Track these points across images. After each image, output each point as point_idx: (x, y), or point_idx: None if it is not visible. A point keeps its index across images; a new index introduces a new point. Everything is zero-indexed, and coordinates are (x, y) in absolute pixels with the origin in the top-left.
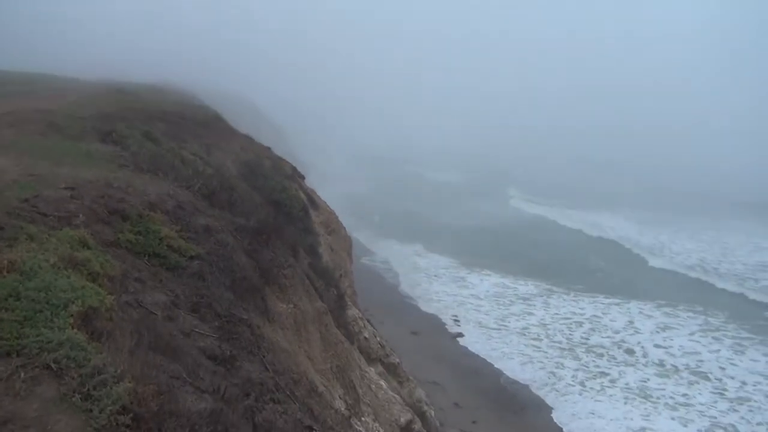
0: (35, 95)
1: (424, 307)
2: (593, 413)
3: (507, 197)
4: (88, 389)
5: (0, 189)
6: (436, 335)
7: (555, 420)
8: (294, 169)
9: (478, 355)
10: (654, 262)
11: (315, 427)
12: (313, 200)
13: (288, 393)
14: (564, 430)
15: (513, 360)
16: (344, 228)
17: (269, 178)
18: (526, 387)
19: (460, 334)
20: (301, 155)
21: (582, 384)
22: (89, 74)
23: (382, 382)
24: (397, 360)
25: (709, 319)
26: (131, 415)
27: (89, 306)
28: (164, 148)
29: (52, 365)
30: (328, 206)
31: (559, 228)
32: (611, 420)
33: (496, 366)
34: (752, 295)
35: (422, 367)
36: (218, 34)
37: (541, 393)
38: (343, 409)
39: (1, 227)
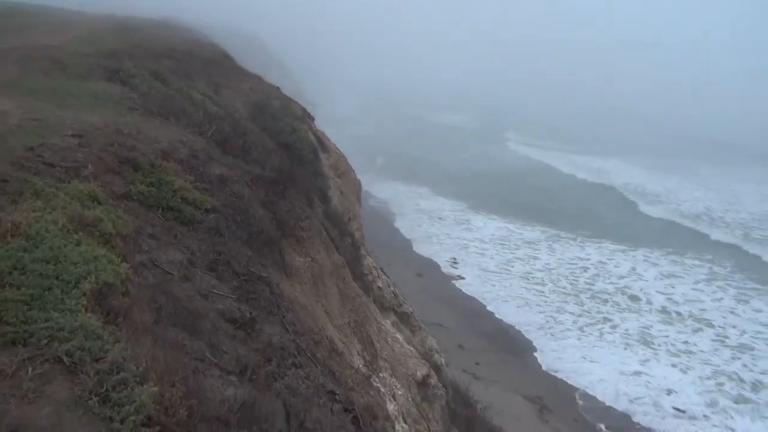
0: (39, 29)
1: (427, 250)
2: (585, 357)
3: (516, 142)
4: (107, 389)
5: (3, 135)
6: (439, 277)
7: (540, 362)
8: (304, 110)
9: (479, 298)
10: (649, 210)
11: (337, 392)
12: (322, 142)
13: (309, 355)
14: (554, 374)
15: (510, 303)
16: (353, 171)
17: (279, 120)
18: (521, 330)
19: (461, 277)
20: (310, 95)
21: (581, 329)
22: (93, 7)
23: (398, 335)
24: (410, 309)
25: (715, 268)
26: (158, 428)
27: (104, 282)
28: (173, 88)
29: (64, 358)
30: (338, 149)
31: (566, 175)
32: (605, 365)
33: (492, 308)
34: (747, 247)
35: (427, 309)
36: None
37: (535, 336)
38: (361, 365)
39: (4, 180)
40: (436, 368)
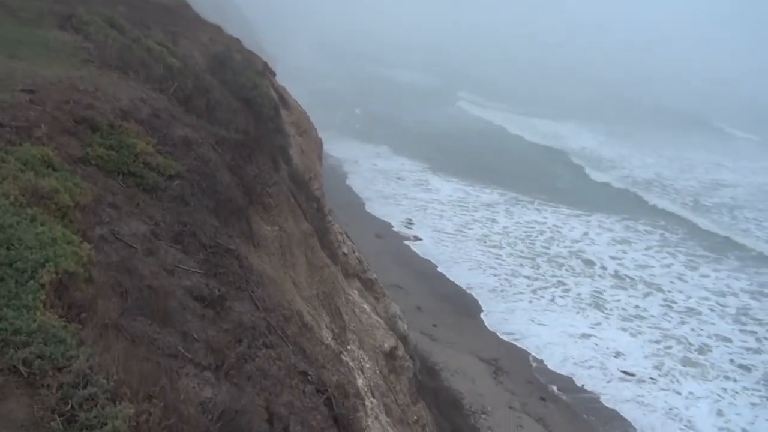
0: None
1: (382, 210)
2: (534, 320)
3: (471, 103)
4: (73, 407)
5: None
6: (395, 239)
7: (488, 324)
8: (265, 64)
9: (434, 260)
10: (602, 176)
11: (309, 372)
12: (284, 99)
13: (280, 333)
14: (505, 336)
15: (464, 265)
16: (315, 129)
17: (239, 74)
18: (474, 293)
19: (418, 238)
20: (268, 48)
21: (534, 292)
22: None
23: (366, 305)
24: (374, 276)
25: (667, 235)
26: None
27: (64, 270)
28: (129, 38)
29: (21, 368)
30: (299, 105)
31: (524, 140)
32: (555, 327)
33: (447, 270)
34: (684, 214)
35: (386, 271)
36: None
37: (486, 299)
38: (330, 339)
39: None
40: (403, 339)
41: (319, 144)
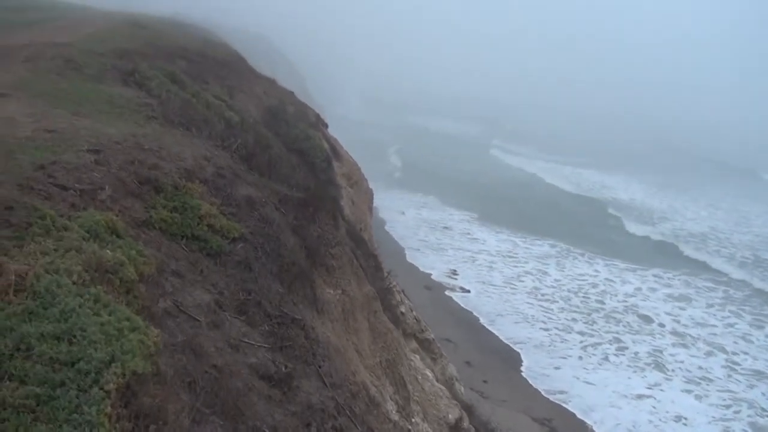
0: (48, 26)
1: (427, 261)
2: (589, 382)
3: (514, 154)
4: None
5: (12, 150)
6: (444, 290)
7: (531, 382)
8: (318, 116)
9: (482, 313)
10: (645, 229)
11: None
12: (335, 150)
13: (348, 413)
14: (556, 396)
15: (514, 318)
16: (366, 180)
17: (293, 126)
18: (522, 348)
19: (466, 290)
20: (317, 98)
21: (584, 349)
22: (100, 3)
23: (428, 372)
24: (432, 336)
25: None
26: None
27: (132, 371)
28: (189, 92)
29: None
30: (351, 156)
31: (568, 191)
32: (606, 387)
33: (497, 324)
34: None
35: (436, 323)
36: None
37: (531, 353)
38: (395, 413)
39: (9, 207)
40: (467, 408)
41: (370, 195)
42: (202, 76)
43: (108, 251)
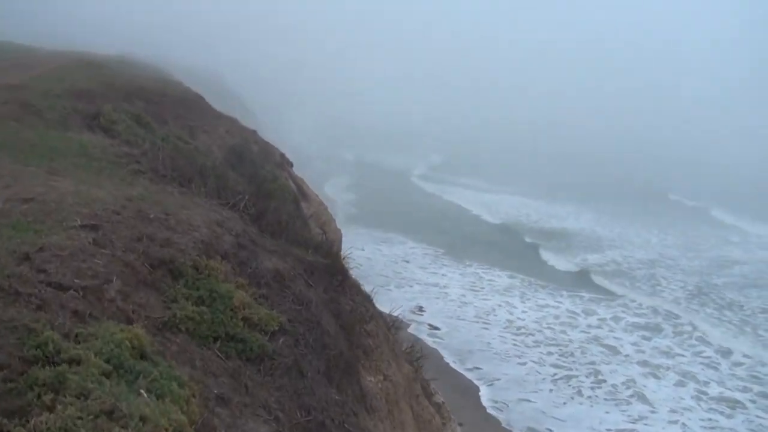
0: None
1: (395, 297)
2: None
3: (475, 189)
4: None
5: None
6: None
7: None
8: (282, 155)
9: (453, 349)
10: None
11: None
12: (302, 190)
13: None
14: None
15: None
16: (334, 220)
17: (259, 166)
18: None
19: (434, 327)
20: (268, 133)
21: (555, 383)
22: (44, 42)
23: None
24: (442, 399)
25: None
26: None
27: None
28: (158, 136)
29: None
30: (318, 196)
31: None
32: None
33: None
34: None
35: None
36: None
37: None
38: None
39: None
40: None
41: (339, 236)
42: (161, 116)
43: (144, 395)
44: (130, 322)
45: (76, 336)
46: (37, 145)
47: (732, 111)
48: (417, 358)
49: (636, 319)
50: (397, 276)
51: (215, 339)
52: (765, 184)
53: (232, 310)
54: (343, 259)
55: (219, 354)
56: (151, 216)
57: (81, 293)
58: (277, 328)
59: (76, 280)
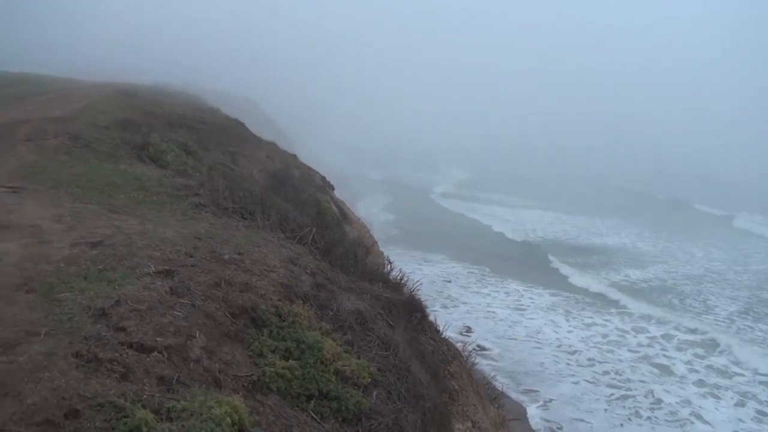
0: (40, 98)
1: (442, 318)
2: None
3: (506, 205)
4: None
5: (50, 284)
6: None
7: None
8: (324, 179)
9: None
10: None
11: None
12: (345, 213)
13: None
14: None
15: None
16: (377, 243)
17: (300, 191)
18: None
19: (483, 348)
20: (305, 157)
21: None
22: (83, 74)
23: None
24: None
25: None
26: None
27: None
28: (205, 164)
29: None
30: (360, 219)
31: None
32: None
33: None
34: None
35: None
36: (209, 29)
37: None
38: None
39: (73, 411)
40: None
41: (381, 259)
42: (203, 143)
43: None
44: (218, 385)
45: (168, 411)
46: (93, 179)
47: (742, 125)
48: (495, 397)
49: (688, 337)
50: (441, 296)
51: (308, 398)
52: None
53: (322, 362)
54: (417, 291)
55: (314, 416)
56: (226, 257)
57: (165, 354)
58: (369, 380)
59: (158, 339)
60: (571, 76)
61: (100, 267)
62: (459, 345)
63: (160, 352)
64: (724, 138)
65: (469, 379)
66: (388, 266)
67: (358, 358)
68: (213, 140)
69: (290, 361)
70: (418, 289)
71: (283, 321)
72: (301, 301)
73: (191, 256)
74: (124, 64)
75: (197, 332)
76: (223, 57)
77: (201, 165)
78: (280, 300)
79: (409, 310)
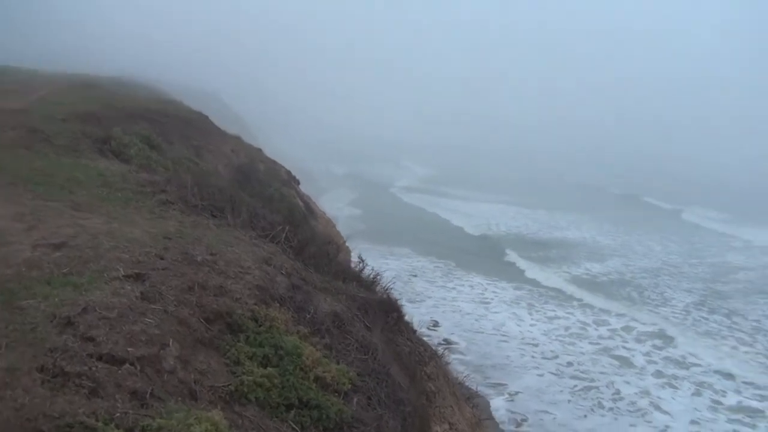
0: None
1: (409, 312)
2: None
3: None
4: None
5: (11, 290)
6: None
7: None
8: (289, 173)
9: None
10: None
11: None
12: (310, 208)
13: None
14: None
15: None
16: (342, 237)
17: (266, 185)
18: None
19: (451, 342)
20: (270, 152)
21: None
22: (41, 65)
23: None
24: None
25: None
26: None
27: None
28: (169, 158)
29: None
30: (326, 214)
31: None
32: None
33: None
34: None
35: None
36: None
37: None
38: None
39: None
40: None
41: (348, 254)
42: (166, 136)
43: None
44: (194, 397)
45: (144, 430)
46: (54, 175)
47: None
48: (469, 396)
49: (647, 329)
50: (408, 290)
51: (288, 407)
52: None
53: (302, 369)
54: (390, 290)
55: (294, 426)
56: (198, 259)
57: (137, 366)
58: (349, 386)
59: (129, 349)
60: (534, 86)
61: (64, 271)
62: (431, 341)
63: (132, 364)
64: (669, 136)
65: (446, 380)
66: (360, 264)
67: (338, 362)
68: (177, 133)
69: (268, 368)
70: (391, 288)
71: (260, 326)
72: (278, 304)
73: (162, 258)
74: (83, 56)
75: (171, 340)
76: (186, 51)
77: (165, 159)
78: (256, 303)
79: (386, 311)
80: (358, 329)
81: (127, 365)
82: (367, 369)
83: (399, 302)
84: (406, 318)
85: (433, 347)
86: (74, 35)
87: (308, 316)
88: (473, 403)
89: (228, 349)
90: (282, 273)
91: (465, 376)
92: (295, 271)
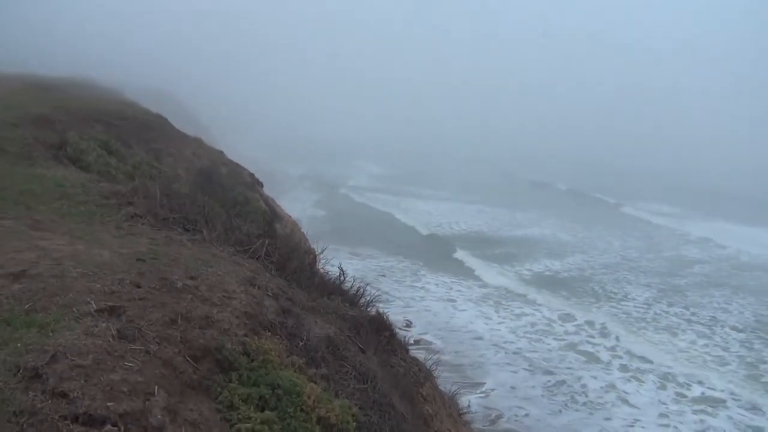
0: None
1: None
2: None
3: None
4: None
5: None
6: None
7: None
8: (252, 176)
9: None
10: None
11: None
12: (275, 210)
13: None
14: None
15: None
16: (308, 240)
17: (228, 189)
18: None
19: (429, 342)
20: (231, 154)
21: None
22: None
23: None
24: None
25: None
26: None
27: None
28: (130, 164)
29: None
30: (290, 216)
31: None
32: None
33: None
34: None
35: None
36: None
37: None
38: None
39: None
40: None
41: (313, 256)
42: (123, 140)
43: None
44: None
45: None
46: (7, 187)
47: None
48: (462, 413)
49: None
50: (378, 290)
51: None
52: None
53: (303, 410)
54: (372, 305)
55: None
56: (179, 285)
57: (121, 426)
58: (354, 425)
59: (109, 404)
60: (491, 91)
61: (26, 307)
62: (420, 354)
63: (114, 424)
64: (611, 133)
65: (441, 401)
66: (342, 277)
67: (337, 395)
68: (135, 137)
69: (266, 411)
70: (377, 301)
71: (253, 361)
72: (269, 333)
73: (138, 286)
74: (32, 56)
75: (156, 388)
76: (140, 50)
77: (125, 165)
78: (246, 334)
79: (377, 329)
80: (353, 354)
81: (109, 426)
82: (368, 401)
83: (387, 316)
84: (402, 338)
85: (427, 366)
86: (43, 36)
87: (301, 343)
88: (465, 420)
89: (220, 392)
90: (268, 294)
91: (456, 392)
92: (281, 290)
